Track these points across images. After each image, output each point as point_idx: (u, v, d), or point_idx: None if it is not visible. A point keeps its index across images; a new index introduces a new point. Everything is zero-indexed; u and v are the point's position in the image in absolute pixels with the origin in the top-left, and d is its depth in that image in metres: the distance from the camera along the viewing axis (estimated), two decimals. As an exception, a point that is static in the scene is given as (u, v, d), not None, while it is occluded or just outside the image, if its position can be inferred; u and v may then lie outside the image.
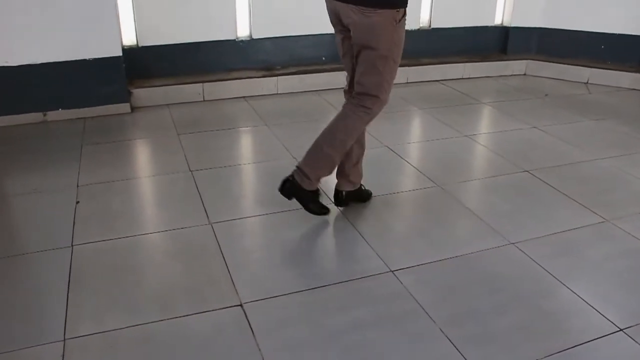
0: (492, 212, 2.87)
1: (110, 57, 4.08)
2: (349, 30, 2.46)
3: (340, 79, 4.88)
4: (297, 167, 2.64)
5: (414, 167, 3.39)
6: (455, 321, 2.07)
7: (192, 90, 4.46)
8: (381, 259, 2.43)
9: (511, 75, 5.56)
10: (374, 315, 2.09)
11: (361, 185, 2.90)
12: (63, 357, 1.89)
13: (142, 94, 4.35)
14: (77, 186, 3.09)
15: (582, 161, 3.54)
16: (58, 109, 4.09)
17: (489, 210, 2.88)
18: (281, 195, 2.67)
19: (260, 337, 1.98)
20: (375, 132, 3.85)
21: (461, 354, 1.92)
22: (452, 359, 1.90)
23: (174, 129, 3.91)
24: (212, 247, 2.51)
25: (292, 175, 2.64)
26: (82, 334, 1.99)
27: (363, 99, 2.54)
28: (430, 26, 5.44)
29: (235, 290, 2.22)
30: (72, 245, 2.53)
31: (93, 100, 4.15)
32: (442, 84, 5.20)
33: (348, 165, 2.77)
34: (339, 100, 4.52)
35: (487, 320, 2.08)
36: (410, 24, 5.21)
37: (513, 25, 5.65)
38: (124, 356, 1.90)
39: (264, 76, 4.69)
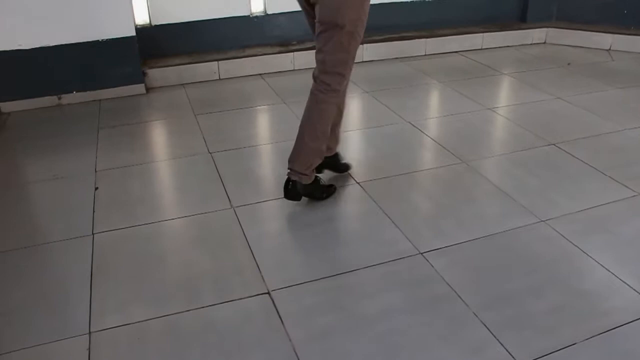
0: (520, 188, 2.79)
1: (124, 38, 4.01)
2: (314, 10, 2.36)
3: (358, 53, 4.79)
4: (289, 169, 2.57)
5: (437, 142, 3.30)
6: (489, 304, 2.01)
7: (207, 69, 4.38)
8: (409, 240, 2.37)
9: (531, 44, 5.41)
10: (405, 301, 2.04)
11: (338, 154, 2.87)
12: (89, 351, 1.86)
13: (157, 74, 4.28)
14: (95, 171, 3.05)
15: (610, 132, 3.43)
16: (72, 92, 4.05)
17: (517, 187, 2.80)
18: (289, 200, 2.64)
19: (289, 325, 1.93)
20: (396, 108, 3.78)
21: (497, 340, 1.86)
22: (489, 345, 1.85)
23: (191, 110, 3.85)
24: (235, 233, 2.46)
25: (289, 179, 2.59)
26: (107, 327, 1.96)
27: (330, 79, 2.44)
28: (447, -5, 5.29)
29: (262, 277, 2.17)
30: (93, 234, 2.49)
31: (107, 82, 4.10)
32: (461, 55, 5.07)
33: None
34: (357, 74, 4.43)
35: (523, 303, 2.02)
36: (428, -6, 5.14)
37: (532, -9, 5.48)
38: (153, 348, 1.87)
39: (279, 52, 4.59)
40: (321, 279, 2.16)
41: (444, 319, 1.96)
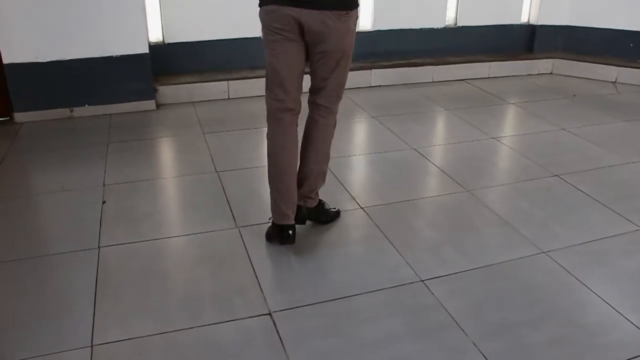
0: (523, 218, 2.81)
1: (137, 54, 4.09)
2: (303, 38, 2.28)
3: (366, 77, 4.88)
4: (300, 196, 2.55)
5: (441, 170, 3.33)
6: (488, 334, 2.03)
7: (217, 88, 4.45)
8: (411, 267, 2.39)
9: (538, 74, 5.47)
10: (405, 327, 2.05)
11: (322, 203, 2.75)
12: (92, 364, 1.88)
13: (168, 91, 4.35)
14: (104, 185, 3.09)
15: (614, 165, 3.46)
16: (84, 105, 4.12)
17: (520, 217, 2.82)
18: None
19: (289, 347, 1.95)
20: (402, 134, 3.82)
21: (495, 370, 1.88)
22: (486, 375, 1.87)
23: (200, 128, 3.90)
24: (239, 252, 2.49)
25: (307, 207, 2.60)
26: (109, 341, 1.98)
27: (331, 102, 2.49)
28: (456, 24, 5.37)
29: (264, 298, 2.19)
30: (98, 247, 2.52)
31: (119, 97, 4.17)
32: (468, 83, 5.13)
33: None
34: (364, 98, 4.54)
35: (522, 334, 2.03)
36: (437, 22, 5.22)
37: (540, 23, 5.57)
38: (154, 365, 1.89)
39: (288, 74, 4.65)
40: (323, 302, 2.18)
41: (443, 347, 1.97)
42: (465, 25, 5.39)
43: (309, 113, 2.55)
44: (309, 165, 2.55)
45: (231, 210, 2.83)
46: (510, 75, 5.38)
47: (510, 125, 4.30)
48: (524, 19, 5.65)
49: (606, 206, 2.94)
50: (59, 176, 3.21)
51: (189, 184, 3.15)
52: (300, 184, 2.56)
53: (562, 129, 4.03)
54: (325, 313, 2.12)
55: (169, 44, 4.50)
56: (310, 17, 2.20)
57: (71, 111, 4.10)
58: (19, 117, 3.99)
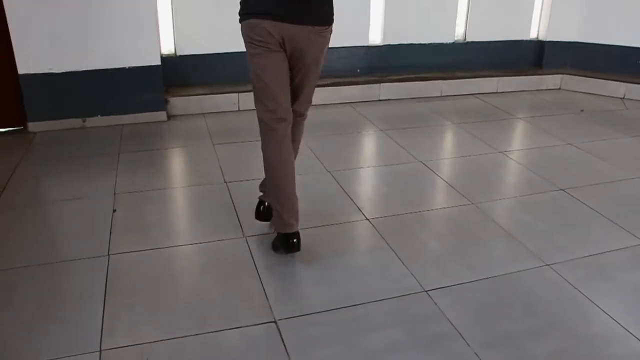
0: (527, 232, 2.83)
1: (149, 66, 4.17)
2: (286, 51, 2.36)
3: (375, 91, 4.93)
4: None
5: (448, 183, 3.37)
6: (490, 345, 2.05)
7: (227, 100, 4.51)
8: (415, 278, 2.42)
9: (546, 89, 5.50)
10: (408, 337, 2.08)
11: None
12: (100, 368, 1.92)
13: (179, 103, 4.41)
14: (114, 194, 3.15)
15: (620, 180, 3.47)
16: (97, 116, 4.19)
17: (524, 230, 2.85)
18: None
19: (294, 355, 1.98)
20: (410, 147, 3.86)
21: (496, 380, 1.90)
22: (487, 385, 1.89)
23: (210, 139, 3.96)
24: (246, 261, 2.53)
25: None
26: (118, 346, 2.02)
27: (306, 108, 2.65)
28: (465, 39, 5.42)
29: (269, 306, 2.23)
30: (108, 254, 2.57)
31: (131, 108, 4.24)
32: (477, 97, 5.17)
33: None
34: (373, 112, 4.60)
35: (524, 345, 2.05)
36: (446, 37, 5.28)
37: (548, 39, 5.60)
38: (160, 369, 1.93)
39: (298, 87, 4.71)
40: (327, 311, 2.21)
41: (445, 356, 2.00)
42: (474, 41, 5.44)
43: (293, 121, 2.60)
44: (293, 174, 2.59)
45: (239, 220, 2.87)
46: (519, 91, 5.42)
47: (517, 139, 4.32)
48: (532, 35, 5.69)
49: (611, 220, 2.96)
50: (71, 185, 3.27)
51: (198, 193, 3.20)
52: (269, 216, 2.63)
53: (569, 143, 4.05)
54: (329, 322, 2.15)
55: (180, 56, 4.57)
56: (292, 31, 2.29)
57: (84, 121, 4.17)
58: (32, 126, 4.07)
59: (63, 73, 4.01)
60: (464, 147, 3.99)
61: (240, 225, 2.83)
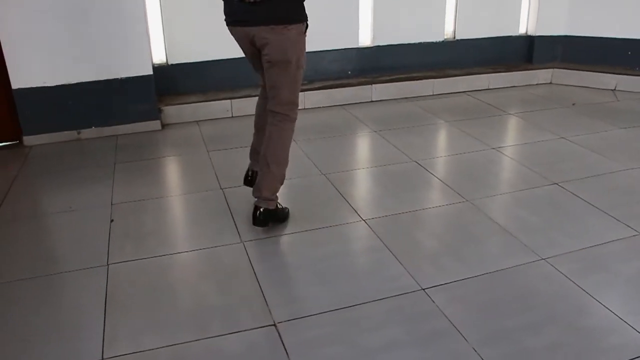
0: (522, 226, 2.86)
1: (141, 76, 4.19)
2: (260, 51, 2.62)
3: (367, 92, 4.96)
4: (259, 198, 2.75)
5: (442, 181, 3.39)
6: (488, 340, 2.07)
7: (220, 107, 4.54)
8: (412, 277, 2.44)
9: (537, 84, 5.54)
10: (407, 335, 2.10)
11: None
12: (103, 377, 1.94)
13: (172, 111, 4.44)
14: (111, 204, 3.16)
15: (613, 171, 3.50)
16: (91, 127, 4.21)
17: (519, 225, 2.87)
18: (256, 227, 2.81)
19: (294, 357, 2.00)
20: (403, 147, 3.89)
21: (495, 374, 1.92)
22: (487, 379, 1.91)
23: (204, 146, 3.98)
24: (244, 266, 2.55)
25: (257, 207, 2.75)
26: (120, 354, 2.03)
27: (286, 109, 2.71)
28: (454, 37, 5.45)
29: (269, 309, 2.25)
30: (107, 264, 2.59)
31: (124, 118, 4.25)
32: (468, 95, 5.20)
33: (261, 143, 2.89)
34: (366, 113, 4.63)
35: (521, 339, 2.07)
36: (435, 36, 5.31)
37: (538, 34, 5.64)
38: (163, 376, 1.95)
39: (290, 91, 4.73)
40: (326, 312, 2.23)
41: (444, 353, 2.02)
42: (464, 38, 5.48)
43: (269, 120, 2.78)
44: (270, 169, 2.73)
45: (236, 226, 2.89)
46: (510, 86, 5.45)
47: (510, 135, 4.35)
48: (522, 31, 5.72)
49: (605, 212, 2.98)
50: (68, 196, 3.29)
51: (195, 201, 3.22)
52: (260, 187, 2.76)
53: (562, 137, 4.08)
54: (328, 322, 2.17)
55: (172, 65, 4.60)
56: (254, 31, 2.56)
57: (78, 133, 4.19)
58: (28, 140, 4.09)
59: (56, 86, 4.03)
60: (457, 145, 4.02)
61: (238, 230, 2.85)
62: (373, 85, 4.99)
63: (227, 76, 4.68)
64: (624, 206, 3.04)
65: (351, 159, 3.89)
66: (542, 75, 5.56)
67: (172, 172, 3.79)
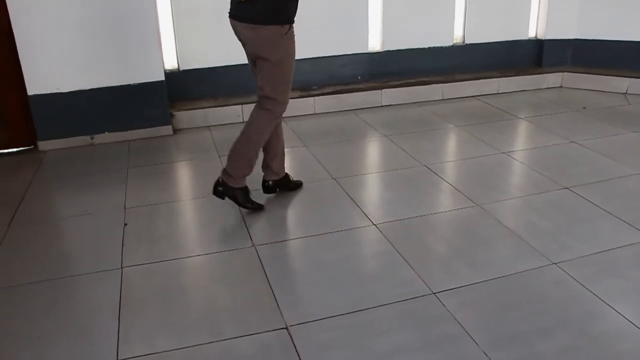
0: (533, 231, 2.86)
1: (154, 82, 4.23)
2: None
3: (376, 97, 4.98)
4: (223, 169, 3.01)
5: (452, 186, 3.40)
6: (499, 344, 2.08)
7: (231, 112, 4.57)
8: (423, 281, 2.46)
9: (547, 88, 5.52)
10: (417, 339, 2.12)
11: (288, 175, 3.31)
12: (118, 379, 1.97)
13: (184, 117, 4.48)
14: (125, 208, 3.20)
15: (624, 176, 3.50)
16: (104, 132, 4.25)
17: (530, 230, 2.88)
18: (216, 197, 3.06)
19: (306, 360, 2.03)
20: (413, 151, 3.90)
21: (506, 378, 1.93)
22: (498, 383, 1.92)
23: (215, 151, 4.01)
24: (256, 270, 2.57)
25: (220, 178, 3.02)
26: (134, 355, 2.07)
27: (263, 101, 2.91)
28: (464, 42, 5.46)
29: (281, 312, 2.27)
30: (121, 267, 2.62)
31: (137, 123, 4.30)
32: (478, 99, 5.20)
33: (269, 158, 3.17)
34: (376, 118, 4.65)
35: (533, 344, 2.08)
36: (444, 41, 5.32)
37: (547, 37, 5.62)
38: (176, 379, 1.97)
39: (301, 97, 4.77)
40: (337, 315, 2.25)
41: (455, 357, 2.03)
42: (473, 43, 5.48)
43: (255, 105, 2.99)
44: (238, 148, 2.99)
45: (248, 230, 2.92)
46: (520, 90, 5.44)
47: (520, 139, 4.36)
48: (531, 34, 5.72)
49: (616, 217, 2.98)
50: (83, 200, 3.33)
51: (206, 205, 3.25)
52: (228, 161, 3.02)
53: (572, 141, 4.08)
54: (339, 326, 2.19)
55: (184, 70, 4.64)
56: (239, 27, 2.82)
57: (92, 138, 4.24)
58: (42, 145, 4.14)
59: (70, 92, 4.08)
60: (467, 149, 4.03)
61: (249, 234, 2.88)
62: (383, 89, 5.01)
63: (238, 81, 4.70)
64: (636, 210, 3.04)
65: (361, 164, 3.91)
66: (552, 79, 5.55)
67: (184, 176, 3.83)
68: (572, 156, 3.84)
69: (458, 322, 2.19)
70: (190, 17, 4.52)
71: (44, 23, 3.88)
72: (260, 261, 2.64)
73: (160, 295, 2.42)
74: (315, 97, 4.78)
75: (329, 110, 4.82)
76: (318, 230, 2.89)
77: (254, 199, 3.10)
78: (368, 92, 4.95)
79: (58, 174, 3.76)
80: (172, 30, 4.53)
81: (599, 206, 3.10)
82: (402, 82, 5.16)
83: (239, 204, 3.07)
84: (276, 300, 2.35)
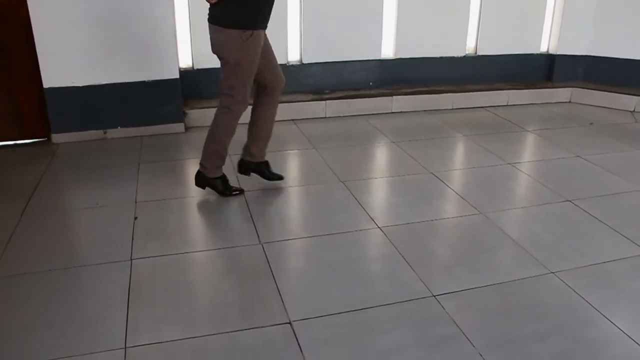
0: (534, 241, 2.92)
1: (168, 80, 4.32)
2: None
3: (387, 103, 5.06)
4: (200, 162, 3.27)
5: (457, 194, 3.47)
6: (495, 346, 2.14)
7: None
8: (424, 283, 2.52)
9: (556, 102, 5.58)
10: (416, 338, 2.18)
11: (267, 163, 3.46)
12: (125, 364, 2.04)
13: (196, 115, 4.56)
14: (135, 202, 3.28)
15: (627, 191, 3.55)
16: (117, 127, 4.34)
17: (531, 239, 2.93)
18: (197, 187, 3.34)
19: (308, 354, 2.09)
20: (421, 158, 3.97)
21: (500, 380, 1.99)
22: (492, 384, 1.98)
23: (226, 150, 4.08)
24: (262, 266, 2.64)
25: (198, 170, 3.29)
26: (142, 343, 2.14)
27: (223, 99, 3.14)
28: (476, 53, 5.53)
29: (285, 308, 2.34)
30: (131, 259, 2.70)
31: (150, 120, 4.39)
32: (488, 110, 5.27)
33: (250, 139, 3.38)
34: (385, 124, 4.72)
35: (527, 347, 2.14)
36: (457, 51, 5.39)
37: (559, 52, 5.69)
38: (182, 366, 2.04)
39: (312, 100, 4.85)
40: (340, 313, 2.32)
41: (452, 358, 2.09)
42: (485, 54, 5.55)
43: None
44: (206, 142, 3.25)
45: (255, 227, 2.99)
46: (529, 104, 5.51)
47: (527, 151, 4.41)
48: (543, 49, 5.78)
49: (616, 231, 3.03)
50: (94, 193, 3.41)
51: (216, 202, 3.33)
52: (202, 153, 3.29)
53: (578, 156, 4.13)
54: (341, 323, 2.26)
55: (198, 69, 4.73)
56: (209, 27, 3.03)
57: (105, 133, 4.33)
58: (56, 138, 4.23)
59: (85, 87, 4.17)
60: (474, 159, 4.09)
61: (257, 232, 2.95)
62: (393, 96, 5.08)
63: (251, 83, 4.79)
64: (635, 225, 3.09)
65: (369, 168, 3.98)
66: (561, 93, 5.61)
67: (195, 173, 3.89)
68: (576, 170, 3.89)
69: (456, 325, 2.25)
70: (206, 18, 4.59)
71: (62, 18, 3.98)
72: (267, 258, 2.71)
73: (168, 287, 2.50)
74: (327, 101, 4.86)
75: (340, 115, 4.90)
76: (324, 230, 2.96)
77: (234, 185, 3.38)
78: (379, 98, 5.03)
79: (71, 167, 3.85)
80: (189, 29, 4.62)
81: (599, 220, 3.15)
82: (413, 90, 5.24)
83: (219, 193, 3.32)
84: (281, 296, 2.42)
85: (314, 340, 2.16)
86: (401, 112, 5.11)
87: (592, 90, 5.53)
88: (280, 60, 4.85)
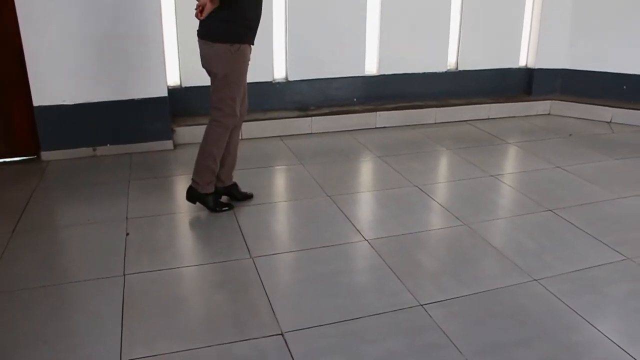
0: (517, 250, 3.01)
1: (157, 97, 4.38)
2: None
3: (371, 119, 5.15)
4: (192, 178, 3.34)
5: (442, 206, 3.55)
6: (481, 353, 2.22)
7: (230, 129, 4.71)
8: (411, 293, 2.59)
9: (536, 115, 5.72)
10: (405, 347, 2.25)
11: (236, 185, 3.55)
12: (122, 378, 2.09)
13: (185, 132, 4.62)
14: (127, 218, 3.32)
15: (605, 200, 3.66)
16: (107, 145, 4.38)
17: (514, 249, 3.02)
18: (189, 202, 3.41)
19: (300, 363, 2.15)
20: (405, 172, 4.06)
21: (487, 384, 2.06)
22: (479, 388, 2.05)
23: (214, 166, 4.14)
24: (253, 280, 2.70)
25: (190, 185, 3.36)
26: (137, 357, 2.18)
27: (212, 112, 3.22)
28: (457, 68, 5.65)
29: (276, 320, 2.40)
30: (124, 275, 2.74)
31: (139, 137, 4.44)
32: (470, 124, 5.38)
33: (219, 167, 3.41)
34: (370, 139, 4.81)
35: (513, 352, 2.22)
36: (439, 67, 5.52)
37: (537, 67, 5.83)
38: (177, 378, 2.09)
39: (298, 116, 4.93)
40: (330, 324, 2.38)
41: (440, 364, 2.17)
42: (466, 70, 5.67)
43: None
44: (198, 158, 3.33)
45: (245, 242, 3.05)
46: (510, 117, 5.64)
47: (508, 163, 4.53)
48: (522, 63, 5.93)
49: (596, 238, 3.13)
50: (85, 210, 3.45)
51: (206, 218, 3.38)
52: (194, 169, 3.36)
53: (558, 166, 4.25)
54: (332, 334, 2.32)
55: (186, 87, 4.79)
56: (198, 42, 3.14)
57: (94, 150, 4.37)
58: (45, 155, 4.27)
59: (75, 105, 4.22)
60: (458, 172, 4.19)
61: (247, 246, 3.01)
62: (377, 112, 5.18)
63: (238, 100, 4.86)
64: (614, 233, 3.19)
65: (355, 182, 4.06)
66: (540, 106, 5.75)
67: (184, 190, 3.91)
68: (557, 180, 4.00)
69: (443, 332, 2.33)
70: (194, 35, 4.66)
71: (53, 38, 4.04)
72: (258, 272, 2.77)
73: (162, 301, 2.54)
74: (313, 118, 4.94)
75: (325, 131, 4.99)
76: (313, 244, 3.03)
77: (223, 201, 3.46)
78: (363, 114, 5.12)
79: (61, 184, 3.88)
80: (176, 47, 4.69)
81: (580, 228, 3.26)
82: (396, 105, 5.34)
83: (210, 209, 3.38)
84: (272, 308, 2.48)
85: (306, 351, 2.22)
86: (385, 127, 5.21)
87: (570, 103, 5.68)
88: (266, 77, 5.01)
